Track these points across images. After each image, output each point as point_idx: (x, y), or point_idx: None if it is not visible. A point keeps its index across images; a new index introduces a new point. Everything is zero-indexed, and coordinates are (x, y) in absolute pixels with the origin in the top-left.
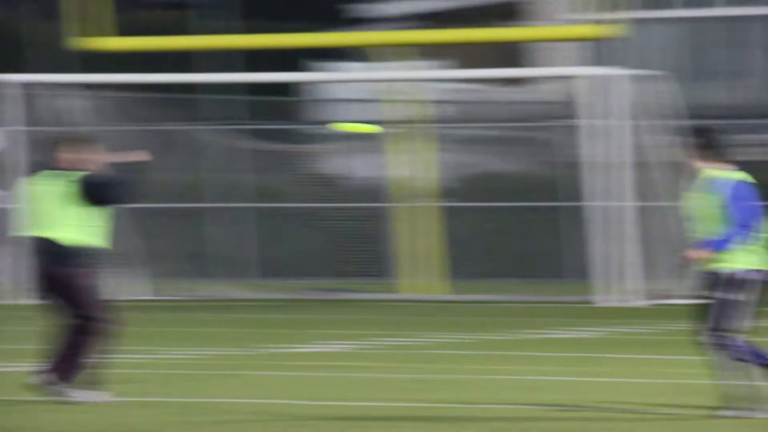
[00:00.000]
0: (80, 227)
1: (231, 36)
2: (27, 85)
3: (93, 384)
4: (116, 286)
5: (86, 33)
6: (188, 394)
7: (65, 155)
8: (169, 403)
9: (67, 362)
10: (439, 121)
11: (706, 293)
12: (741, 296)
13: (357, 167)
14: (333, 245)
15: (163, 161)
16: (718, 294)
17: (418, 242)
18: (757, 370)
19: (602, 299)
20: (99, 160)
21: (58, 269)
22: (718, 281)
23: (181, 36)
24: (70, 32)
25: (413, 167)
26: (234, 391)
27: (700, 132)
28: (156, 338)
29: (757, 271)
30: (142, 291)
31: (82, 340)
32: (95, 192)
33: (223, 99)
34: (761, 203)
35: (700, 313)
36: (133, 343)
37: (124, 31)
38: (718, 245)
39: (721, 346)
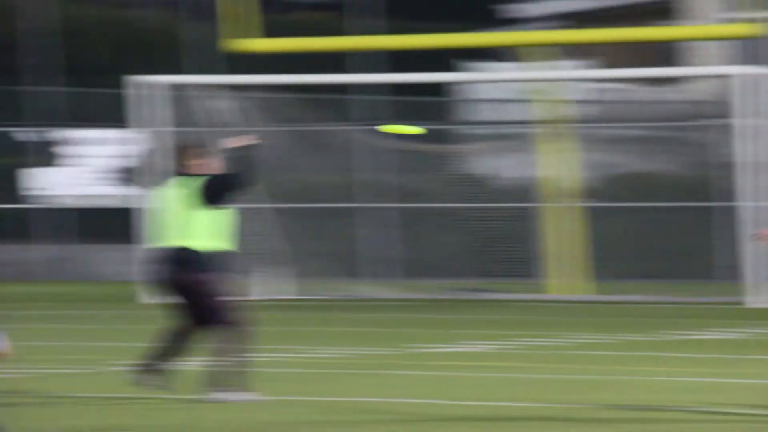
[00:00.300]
0: (209, 232)
1: (378, 36)
2: (176, 87)
3: (237, 384)
4: (258, 286)
5: (236, 35)
6: (329, 393)
7: (191, 161)
8: (310, 402)
9: (160, 358)
10: (584, 121)
11: None
12: None
13: (504, 167)
14: (479, 245)
15: (311, 161)
16: None
17: (563, 242)
18: None
19: (753, 300)
20: (220, 164)
21: (189, 276)
22: None
23: (330, 37)
24: (223, 34)
25: (559, 167)
26: (375, 390)
27: None
28: (299, 338)
29: None
30: (287, 291)
31: (184, 343)
32: (214, 188)
33: (370, 99)
34: None
35: None
36: (276, 342)
37: (274, 32)
38: None
39: None
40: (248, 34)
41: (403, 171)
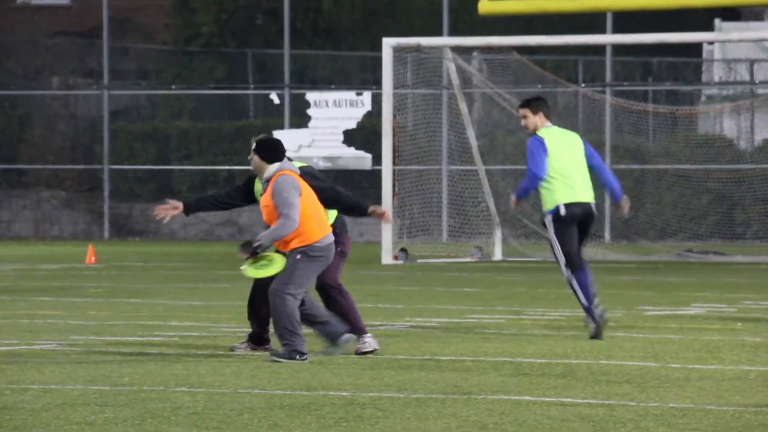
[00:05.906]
0: None
1: None
2: (415, 48)
3: None
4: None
5: None
6: (568, 356)
7: None
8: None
9: None
10: None
11: None
12: None
13: (756, 128)
14: (724, 208)
15: None
16: None
17: None
18: None
19: None
20: None
21: None
22: None
23: None
24: None
25: None
26: (607, 352)
27: None
28: (540, 299)
29: None
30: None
31: None
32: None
33: (598, 60)
34: None
35: None
36: (522, 303)
37: None
38: None
39: None
40: None
41: (639, 132)
